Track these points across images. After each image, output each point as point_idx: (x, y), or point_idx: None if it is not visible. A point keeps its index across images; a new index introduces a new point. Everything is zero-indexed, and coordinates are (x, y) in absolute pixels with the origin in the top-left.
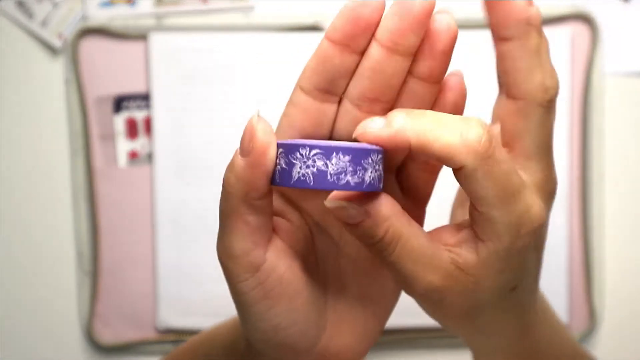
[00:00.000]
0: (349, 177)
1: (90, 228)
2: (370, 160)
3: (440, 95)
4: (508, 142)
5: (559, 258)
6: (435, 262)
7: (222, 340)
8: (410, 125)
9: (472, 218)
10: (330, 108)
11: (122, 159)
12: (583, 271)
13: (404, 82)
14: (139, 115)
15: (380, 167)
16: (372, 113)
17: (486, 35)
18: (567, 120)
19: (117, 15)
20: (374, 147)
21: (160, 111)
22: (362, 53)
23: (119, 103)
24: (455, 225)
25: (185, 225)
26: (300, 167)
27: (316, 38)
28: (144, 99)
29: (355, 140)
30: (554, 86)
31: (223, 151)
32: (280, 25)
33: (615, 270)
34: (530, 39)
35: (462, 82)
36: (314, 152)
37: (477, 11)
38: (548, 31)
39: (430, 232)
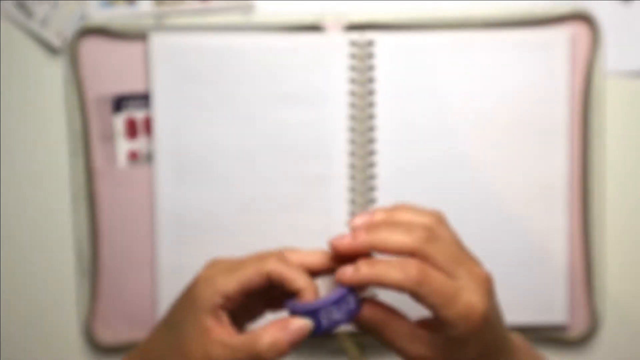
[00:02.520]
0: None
1: (90, 228)
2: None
3: None
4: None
5: (560, 259)
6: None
7: None
8: (368, 270)
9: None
10: None
11: (122, 159)
12: (584, 272)
13: None
14: (139, 115)
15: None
16: None
17: (484, 35)
18: (567, 121)
19: (117, 15)
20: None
21: (160, 111)
22: None
23: (119, 103)
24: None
25: (185, 225)
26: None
27: (316, 37)
28: (144, 98)
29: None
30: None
31: (223, 151)
32: (280, 24)
33: (616, 271)
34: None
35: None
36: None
37: (474, 11)
38: (548, 31)
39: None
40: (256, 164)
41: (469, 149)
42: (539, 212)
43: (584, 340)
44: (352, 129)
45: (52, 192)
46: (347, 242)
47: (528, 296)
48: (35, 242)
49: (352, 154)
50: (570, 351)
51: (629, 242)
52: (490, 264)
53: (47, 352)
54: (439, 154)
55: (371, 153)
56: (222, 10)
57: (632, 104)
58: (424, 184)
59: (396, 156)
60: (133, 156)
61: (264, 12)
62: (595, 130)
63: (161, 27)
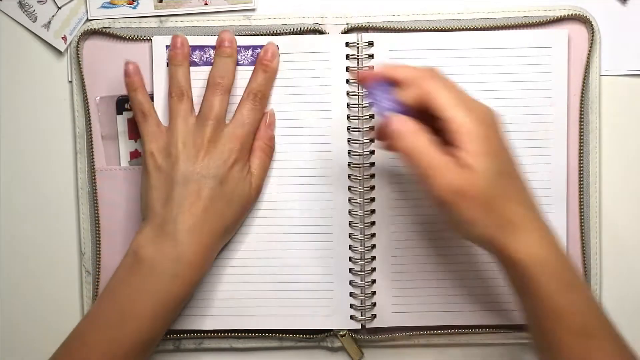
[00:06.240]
0: None
1: (93, 228)
2: None
3: None
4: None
5: None
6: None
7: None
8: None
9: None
10: None
11: (125, 159)
12: (581, 270)
13: None
14: None
15: None
16: None
17: (482, 37)
18: (564, 121)
19: (119, 17)
20: None
21: (162, 111)
22: None
23: (122, 104)
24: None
25: None
26: None
27: (316, 39)
28: None
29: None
30: None
31: None
32: (280, 26)
33: (613, 269)
34: None
35: None
36: None
37: (472, 13)
38: (547, 32)
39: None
40: None
41: None
42: None
43: None
44: (351, 130)
45: (55, 192)
46: (365, 72)
47: None
48: (37, 241)
49: (352, 154)
50: None
51: (625, 240)
52: (487, 264)
53: (49, 351)
54: None
55: (371, 153)
56: (223, 12)
57: (629, 104)
58: None
59: (395, 156)
60: (135, 156)
61: (265, 14)
62: (592, 130)
63: (163, 28)
